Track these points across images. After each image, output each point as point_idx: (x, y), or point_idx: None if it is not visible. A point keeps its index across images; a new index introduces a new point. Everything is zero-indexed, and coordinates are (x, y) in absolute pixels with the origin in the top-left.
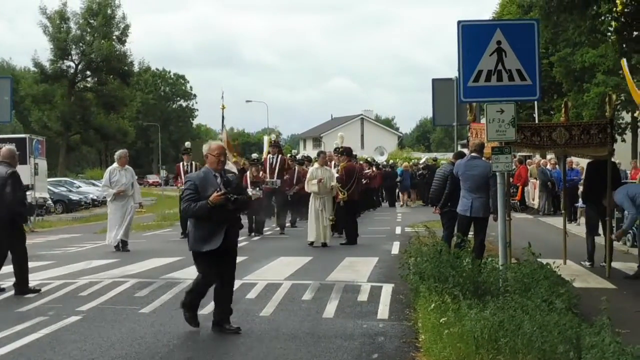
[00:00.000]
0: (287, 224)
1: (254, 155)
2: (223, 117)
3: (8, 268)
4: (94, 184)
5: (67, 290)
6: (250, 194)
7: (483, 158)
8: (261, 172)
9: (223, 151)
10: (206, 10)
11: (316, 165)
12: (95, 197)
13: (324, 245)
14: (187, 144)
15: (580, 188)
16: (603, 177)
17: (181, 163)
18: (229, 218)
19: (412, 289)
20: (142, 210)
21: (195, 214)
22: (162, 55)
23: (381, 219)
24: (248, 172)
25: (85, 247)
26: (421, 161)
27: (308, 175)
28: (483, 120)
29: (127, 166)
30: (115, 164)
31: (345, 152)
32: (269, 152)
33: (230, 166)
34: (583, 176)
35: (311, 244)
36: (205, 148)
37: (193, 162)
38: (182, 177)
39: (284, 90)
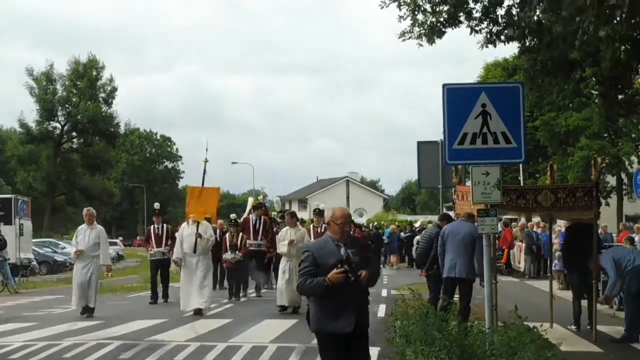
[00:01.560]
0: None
1: (232, 216)
2: (205, 171)
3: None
4: None
5: (51, 352)
6: (229, 257)
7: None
8: (241, 234)
9: (348, 219)
10: (190, 70)
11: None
12: None
13: (295, 311)
14: (157, 205)
15: (558, 252)
16: (583, 241)
17: (152, 226)
18: (359, 296)
19: (398, 352)
20: (110, 274)
21: (310, 292)
22: (147, 116)
23: None
24: (227, 234)
25: (69, 308)
26: (416, 224)
27: (278, 236)
28: (468, 183)
29: (95, 225)
30: (84, 223)
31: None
32: (250, 213)
33: (205, 227)
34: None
35: (283, 308)
36: (327, 214)
37: (165, 225)
38: (153, 241)
39: (268, 151)
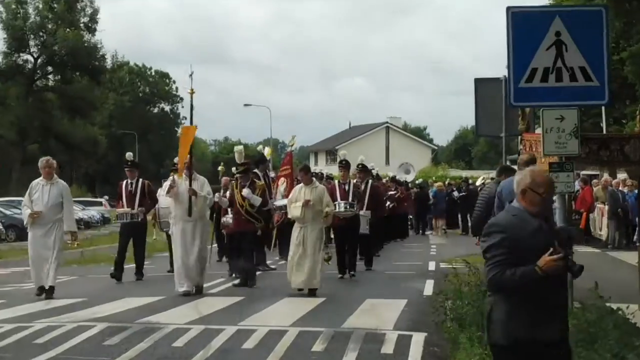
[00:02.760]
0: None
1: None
2: (192, 105)
3: None
4: None
5: (20, 337)
6: (229, 221)
7: None
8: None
9: (552, 189)
10: None
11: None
12: None
13: (312, 292)
14: (129, 155)
15: None
16: None
17: (124, 181)
18: (563, 294)
19: (449, 339)
20: (75, 243)
21: (513, 286)
22: (139, 48)
23: (411, 252)
24: (227, 192)
25: None
26: (478, 182)
27: (290, 196)
28: (538, 130)
29: (56, 179)
30: (40, 177)
31: (347, 166)
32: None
33: (202, 182)
34: None
35: (300, 289)
36: (523, 180)
37: (141, 180)
38: (124, 200)
39: (288, 93)
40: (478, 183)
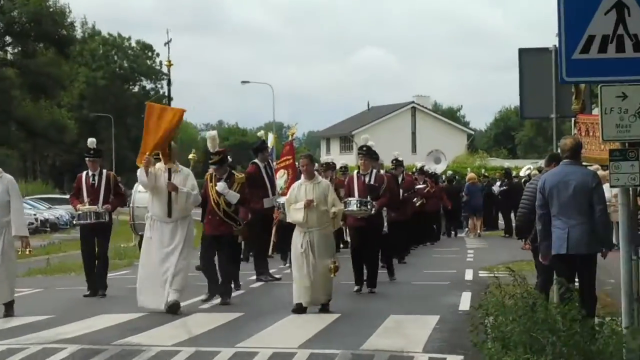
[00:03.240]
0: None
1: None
2: (169, 81)
3: None
4: None
5: None
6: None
7: (585, 165)
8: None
9: None
10: None
11: (302, 178)
12: None
13: (324, 308)
14: (91, 141)
15: None
16: None
17: (84, 173)
18: None
19: None
20: (27, 250)
21: None
22: (115, 14)
23: (443, 258)
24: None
25: None
26: (522, 173)
27: (288, 195)
28: (596, 111)
29: (1, 173)
30: None
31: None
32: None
33: (185, 175)
34: None
35: (299, 308)
36: None
37: (105, 172)
38: (85, 195)
39: (293, 67)
40: (522, 174)
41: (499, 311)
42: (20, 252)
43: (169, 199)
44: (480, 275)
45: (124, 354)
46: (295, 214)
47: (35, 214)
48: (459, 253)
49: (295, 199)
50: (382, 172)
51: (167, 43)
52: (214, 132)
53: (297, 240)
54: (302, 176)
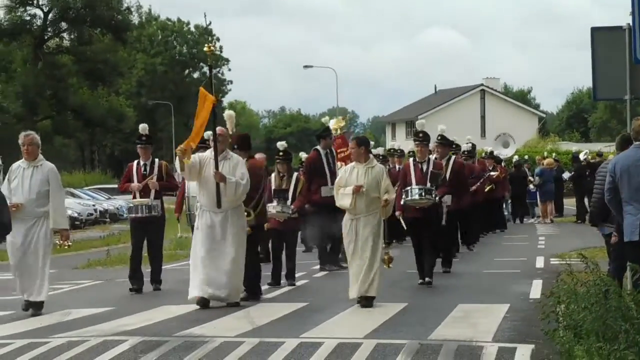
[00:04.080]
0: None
1: (281, 144)
2: (210, 65)
3: None
4: (73, 195)
5: (34, 355)
6: (273, 211)
7: None
8: (297, 177)
9: None
10: None
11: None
12: (77, 214)
13: (367, 302)
14: (143, 127)
15: None
16: None
17: (135, 162)
18: None
19: (562, 353)
20: (66, 244)
21: None
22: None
23: (513, 245)
24: (272, 175)
25: (61, 289)
26: (581, 156)
27: (338, 179)
28: None
29: (42, 160)
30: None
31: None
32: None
33: (235, 163)
34: None
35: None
36: None
37: (157, 161)
38: (135, 181)
39: (356, 50)
40: (581, 157)
41: (571, 299)
42: (59, 247)
43: (217, 189)
44: (551, 262)
45: (187, 346)
46: (342, 199)
47: (94, 205)
48: (529, 240)
49: (345, 182)
50: (453, 157)
51: (208, 26)
52: (232, 112)
53: (345, 227)
54: (353, 159)
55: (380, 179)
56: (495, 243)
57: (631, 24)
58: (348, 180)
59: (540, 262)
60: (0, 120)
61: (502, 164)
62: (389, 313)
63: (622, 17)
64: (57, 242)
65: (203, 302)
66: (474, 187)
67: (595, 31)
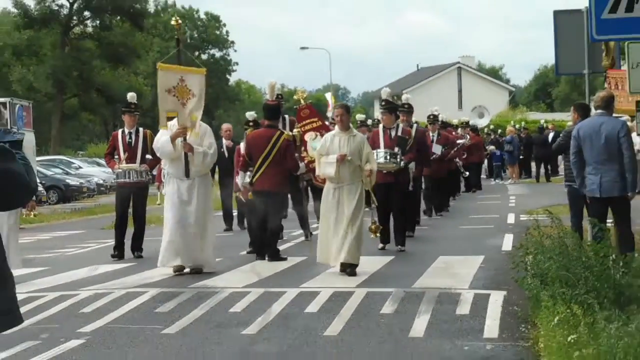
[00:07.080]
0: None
1: (250, 114)
2: (178, 39)
3: None
4: (98, 164)
5: (64, 306)
6: (240, 182)
7: (614, 116)
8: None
9: None
10: None
11: (335, 129)
12: (102, 182)
13: (349, 269)
14: (131, 95)
15: None
16: None
17: (120, 130)
18: None
19: (530, 298)
20: (31, 214)
21: None
22: None
23: (487, 204)
24: (240, 145)
25: (89, 247)
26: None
27: (319, 147)
28: (625, 67)
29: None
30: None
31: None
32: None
33: (202, 131)
34: None
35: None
36: None
37: (141, 129)
38: (121, 154)
39: (346, 31)
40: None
41: (538, 250)
42: (25, 216)
43: (186, 159)
44: (521, 218)
45: (201, 296)
46: (326, 168)
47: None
48: (501, 199)
49: (327, 151)
50: (415, 126)
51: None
52: (274, 81)
53: (328, 196)
54: (337, 127)
55: (361, 148)
56: (471, 201)
57: (588, 6)
58: (330, 149)
59: (511, 218)
60: (34, 99)
61: (478, 132)
62: (377, 265)
63: (581, 0)
64: (24, 211)
65: (177, 268)
66: (449, 156)
67: (558, 13)
